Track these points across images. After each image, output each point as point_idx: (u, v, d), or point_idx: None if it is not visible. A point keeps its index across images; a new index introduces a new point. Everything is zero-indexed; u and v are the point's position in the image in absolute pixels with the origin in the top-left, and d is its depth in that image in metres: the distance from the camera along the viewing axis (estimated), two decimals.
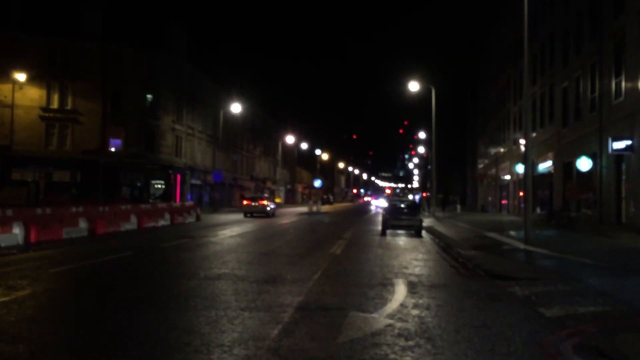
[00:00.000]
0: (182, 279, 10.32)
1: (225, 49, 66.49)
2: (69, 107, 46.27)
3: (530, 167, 19.55)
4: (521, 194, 34.25)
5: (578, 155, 25.24)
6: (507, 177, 45.57)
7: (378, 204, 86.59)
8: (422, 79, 44.58)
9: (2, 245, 14.49)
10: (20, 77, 42.65)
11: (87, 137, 46.06)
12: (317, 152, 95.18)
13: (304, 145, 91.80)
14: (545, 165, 33.73)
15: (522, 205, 28.47)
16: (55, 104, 46.10)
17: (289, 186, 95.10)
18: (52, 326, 6.70)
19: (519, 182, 37.59)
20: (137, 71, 46.98)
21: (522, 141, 25.59)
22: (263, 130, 79.97)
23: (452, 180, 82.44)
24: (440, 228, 27.41)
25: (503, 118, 47.96)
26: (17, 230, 15.47)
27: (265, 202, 39.77)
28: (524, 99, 19.38)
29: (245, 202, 40.12)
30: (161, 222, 26.23)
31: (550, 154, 32.24)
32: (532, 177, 29.10)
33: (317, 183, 63.99)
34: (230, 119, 60.48)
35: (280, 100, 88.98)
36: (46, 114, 45.63)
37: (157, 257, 14.23)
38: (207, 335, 6.34)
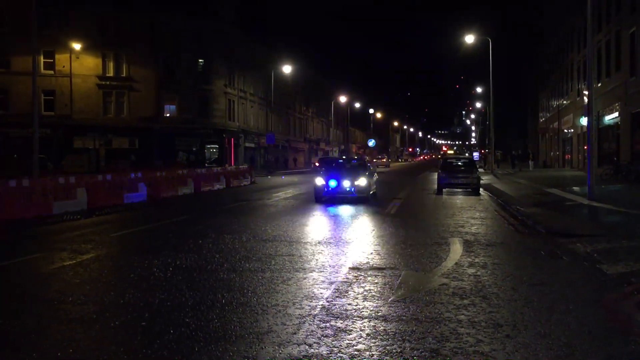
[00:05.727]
0: (238, 241, 10.50)
1: (273, 8, 65.94)
2: (124, 74, 47.44)
3: (595, 119, 18.72)
4: (585, 147, 32.90)
5: None
6: (571, 130, 43.84)
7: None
8: (478, 32, 43.04)
9: (68, 210, 15.14)
10: (76, 46, 43.95)
11: (143, 104, 47.20)
12: (370, 111, 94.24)
13: (357, 105, 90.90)
14: (611, 117, 32.14)
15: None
16: (111, 72, 47.36)
17: (342, 146, 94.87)
18: (115, 288, 6.96)
19: (583, 135, 36.06)
20: (187, 37, 47.43)
21: (586, 92, 24.34)
22: (315, 91, 79.59)
23: (512, 135, 79.99)
24: (499, 185, 26.77)
25: (566, 69, 45.85)
26: (80, 196, 16.10)
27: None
28: (588, 48, 18.36)
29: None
30: (217, 186, 26.73)
31: (616, 105, 30.67)
32: (597, 130, 27.84)
33: (371, 143, 63.58)
34: (281, 80, 60.40)
35: (331, 60, 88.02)
36: (103, 82, 46.97)
37: (213, 220, 14.53)
38: (262, 295, 6.44)
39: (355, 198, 18.24)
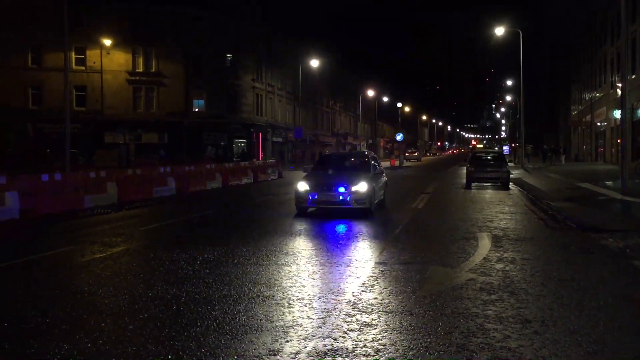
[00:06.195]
0: (265, 235, 10.56)
1: (298, 5, 65.92)
2: (153, 70, 48.05)
3: (629, 111, 18.26)
4: (619, 141, 32.10)
5: None
6: (604, 123, 42.87)
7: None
8: (508, 24, 42.36)
9: (99, 204, 15.42)
10: (107, 42, 44.70)
11: (172, 99, 47.76)
12: (399, 105, 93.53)
13: (385, 99, 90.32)
14: None
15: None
16: (140, 68, 48.03)
17: (370, 141, 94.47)
18: (144, 280, 7.07)
19: (617, 128, 35.21)
20: (214, 32, 47.78)
21: (620, 84, 23.70)
22: (342, 85, 79.32)
23: (543, 129, 78.53)
24: (529, 180, 26.36)
25: (599, 61, 44.80)
26: (111, 191, 16.37)
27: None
28: (623, 38, 17.89)
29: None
30: (245, 180, 26.92)
31: None
32: (631, 123, 27.13)
33: (399, 137, 63.00)
34: (309, 74, 60.35)
35: (358, 54, 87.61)
36: (133, 78, 47.65)
37: (240, 215, 14.64)
38: (287, 289, 6.46)
39: (351, 210, 13.23)
